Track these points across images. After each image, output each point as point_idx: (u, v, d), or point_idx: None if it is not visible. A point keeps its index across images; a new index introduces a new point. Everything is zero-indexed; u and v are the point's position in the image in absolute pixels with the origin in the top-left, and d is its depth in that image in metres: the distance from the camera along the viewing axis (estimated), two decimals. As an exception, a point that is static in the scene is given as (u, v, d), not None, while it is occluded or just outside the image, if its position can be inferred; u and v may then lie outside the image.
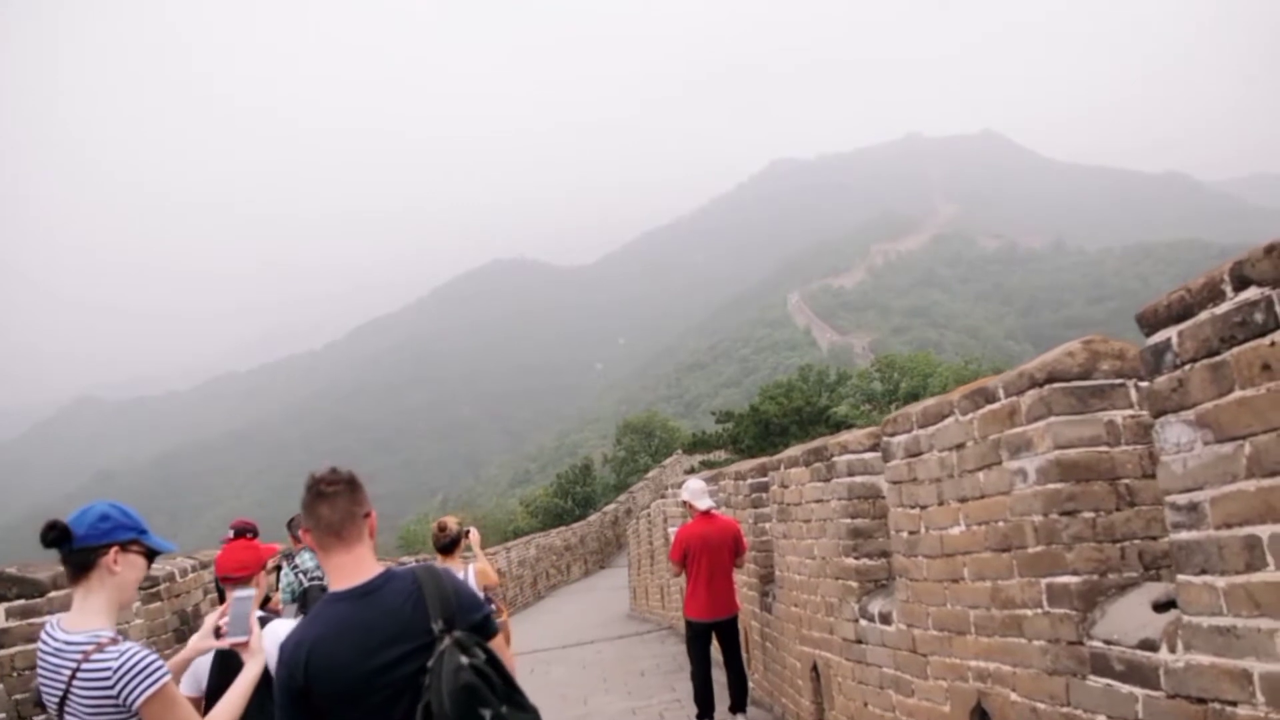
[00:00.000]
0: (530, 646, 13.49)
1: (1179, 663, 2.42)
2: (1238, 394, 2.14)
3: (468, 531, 6.25)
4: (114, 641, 2.57)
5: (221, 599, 5.17)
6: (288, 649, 2.49)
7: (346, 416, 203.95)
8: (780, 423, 25.30)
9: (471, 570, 5.90)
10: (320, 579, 7.15)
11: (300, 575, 7.04)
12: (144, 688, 2.51)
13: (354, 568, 2.51)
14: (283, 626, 3.98)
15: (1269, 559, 2.08)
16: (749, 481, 6.99)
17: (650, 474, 36.19)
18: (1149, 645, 2.58)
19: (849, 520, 4.73)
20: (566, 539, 28.59)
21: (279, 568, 6.99)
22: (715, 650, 7.11)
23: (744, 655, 7.72)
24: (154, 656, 2.59)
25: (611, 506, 33.28)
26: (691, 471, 26.74)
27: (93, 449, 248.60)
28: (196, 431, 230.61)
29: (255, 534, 6.11)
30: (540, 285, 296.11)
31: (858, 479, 4.71)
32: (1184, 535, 2.35)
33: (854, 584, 4.73)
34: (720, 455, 30.68)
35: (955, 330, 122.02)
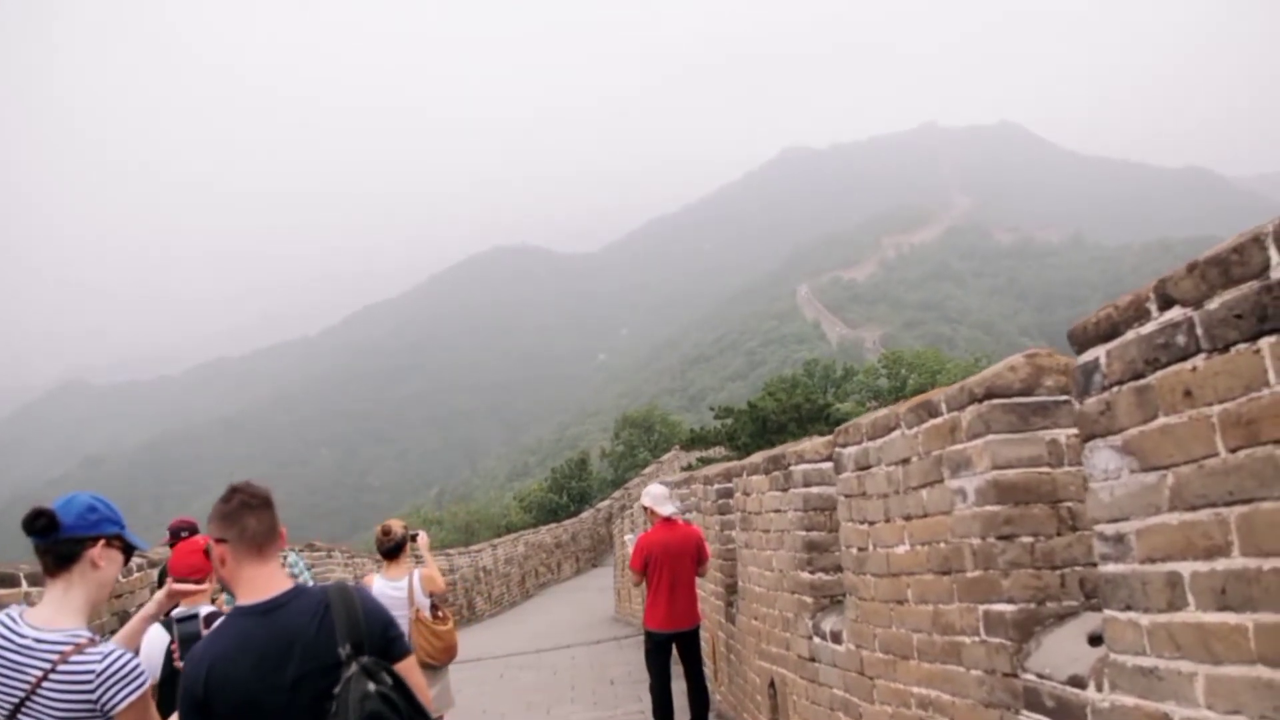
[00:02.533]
0: (505, 650, 13.47)
1: (1105, 703, 2.35)
2: (1161, 421, 2.06)
3: (415, 535, 6.20)
4: (92, 643, 2.53)
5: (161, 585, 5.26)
6: (191, 663, 2.50)
7: (341, 405, 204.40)
8: (778, 420, 25.23)
9: (417, 576, 5.84)
10: None
11: None
12: (128, 694, 2.48)
13: (264, 583, 2.54)
14: None
15: (1190, 598, 2.00)
16: (716, 487, 6.91)
17: (648, 470, 36.12)
18: (1078, 682, 2.50)
19: (804, 533, 4.65)
20: (558, 536, 28.57)
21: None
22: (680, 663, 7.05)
23: (710, 667, 7.66)
24: (138, 661, 2.57)
25: (605, 503, 33.25)
26: (688, 468, 26.68)
27: (79, 434, 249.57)
28: (187, 417, 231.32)
29: (194, 532, 6.11)
30: (542, 273, 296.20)
31: (814, 490, 4.63)
32: (1110, 568, 2.27)
33: (809, 599, 4.65)
34: (719, 452, 30.60)
35: (969, 325, 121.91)
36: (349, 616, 2.50)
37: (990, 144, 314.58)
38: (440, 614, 5.88)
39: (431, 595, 5.83)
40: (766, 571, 5.37)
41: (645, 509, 7.06)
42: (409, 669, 2.59)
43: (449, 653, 5.81)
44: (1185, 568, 2.01)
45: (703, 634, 7.67)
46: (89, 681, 2.45)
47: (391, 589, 5.81)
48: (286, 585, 2.55)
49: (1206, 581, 1.94)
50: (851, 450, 3.94)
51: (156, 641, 3.99)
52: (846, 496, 4.01)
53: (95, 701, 2.46)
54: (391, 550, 5.86)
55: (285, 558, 7.53)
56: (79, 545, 2.60)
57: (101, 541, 2.64)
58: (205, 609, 4.16)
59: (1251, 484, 1.81)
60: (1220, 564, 1.91)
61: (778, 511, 5.06)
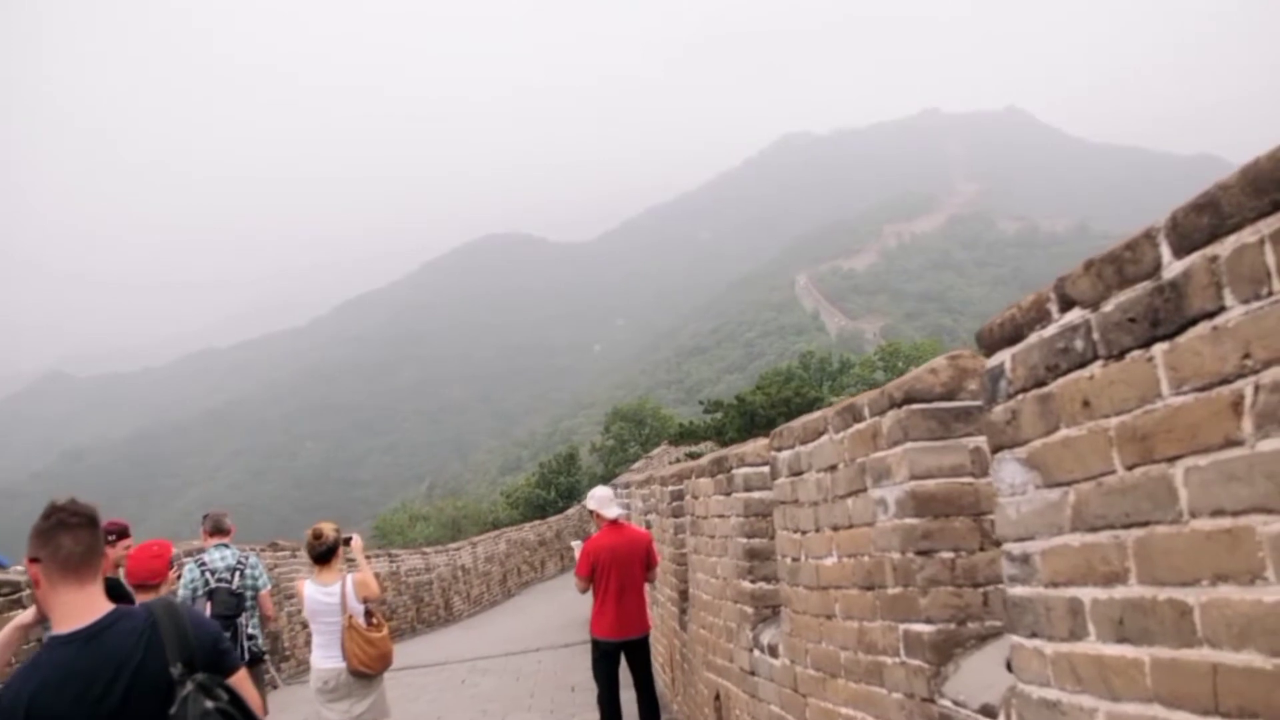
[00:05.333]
0: (473, 653, 13.41)
1: (1013, 736, 2.21)
2: (1063, 433, 1.92)
3: (348, 539, 6.08)
4: None
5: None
6: (4, 702, 2.39)
7: (330, 397, 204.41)
8: (767, 414, 25.14)
9: (350, 580, 5.71)
10: (228, 581, 7.10)
11: (208, 574, 7.02)
12: None
13: (84, 607, 2.44)
14: None
15: (1090, 628, 1.87)
16: (670, 489, 6.79)
17: (637, 465, 36.03)
18: (989, 712, 2.38)
19: (745, 539, 4.52)
20: (541, 533, 28.49)
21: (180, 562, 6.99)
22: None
23: (667, 676, 7.54)
24: None
25: (594, 497, 33.16)
26: (676, 464, 26.55)
27: (62, 427, 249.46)
28: (172, 410, 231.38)
29: (123, 535, 6.04)
30: (536, 261, 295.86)
31: (755, 494, 4.49)
32: (1017, 591, 2.13)
33: (749, 610, 4.53)
34: (709, 447, 30.48)
35: (971, 317, 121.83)
36: (177, 634, 2.47)
37: (995, 130, 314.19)
38: (374, 620, 5.75)
39: (365, 601, 5.70)
40: (712, 579, 5.25)
41: (591, 512, 6.94)
42: (241, 681, 2.59)
43: (383, 660, 5.69)
44: (1086, 594, 1.88)
45: (660, 642, 7.54)
46: None
47: (323, 594, 5.70)
48: (107, 608, 2.47)
49: (1105, 610, 1.82)
50: (786, 454, 3.81)
51: None
52: (781, 503, 3.89)
53: None
54: (323, 554, 5.74)
55: (246, 560, 7.40)
56: None
57: None
58: None
59: (1147, 506, 1.68)
60: (1119, 592, 1.78)
61: (722, 517, 4.93)
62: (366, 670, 5.59)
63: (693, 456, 27.33)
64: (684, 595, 6.47)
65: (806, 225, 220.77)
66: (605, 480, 38.86)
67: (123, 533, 5.87)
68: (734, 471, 4.65)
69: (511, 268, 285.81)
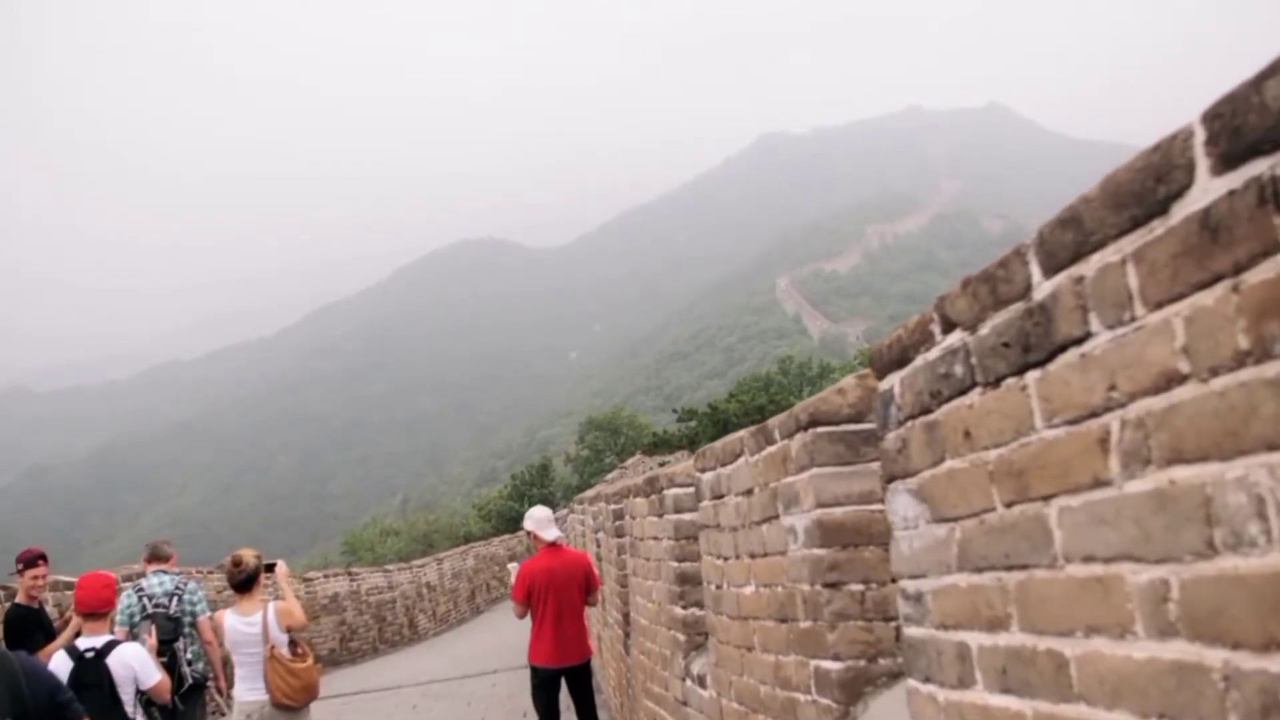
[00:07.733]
0: (430, 675, 13.29)
1: (911, 786, 2.11)
2: (948, 464, 1.82)
3: (271, 565, 5.95)
4: None
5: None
6: None
7: (300, 408, 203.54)
8: (740, 422, 25.06)
9: (272, 609, 5.58)
10: (164, 606, 6.98)
11: (145, 600, 6.91)
12: None
13: None
14: (131, 649, 4.59)
15: (978, 676, 1.76)
16: (613, 508, 6.68)
17: (611, 475, 35.91)
18: (892, 758, 2.27)
19: (676, 563, 4.41)
20: (511, 547, 28.32)
21: None
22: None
23: (618, 700, 7.43)
24: None
25: (564, 510, 33.01)
26: (647, 474, 26.40)
27: (22, 443, 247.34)
28: (137, 424, 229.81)
29: (32, 564, 5.92)
30: (511, 267, 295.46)
31: (685, 516, 4.38)
32: (912, 631, 2.03)
33: (682, 637, 4.42)
34: (683, 456, 30.40)
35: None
36: (10, 687, 2.37)
37: (978, 127, 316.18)
38: (299, 650, 5.62)
39: (289, 630, 5.57)
40: (649, 603, 5.15)
41: (529, 533, 6.83)
42: None
43: (308, 692, 5.56)
44: (973, 639, 1.77)
45: (610, 665, 7.43)
46: None
47: (244, 624, 5.57)
48: None
49: (990, 658, 1.71)
50: (708, 476, 3.70)
51: (60, 670, 4.28)
52: (704, 527, 3.78)
53: None
54: (244, 582, 5.61)
55: (185, 585, 7.30)
56: None
57: None
58: (104, 638, 4.57)
59: (1025, 547, 1.58)
60: (1002, 639, 1.68)
61: (655, 539, 4.83)
62: (290, 703, 5.46)
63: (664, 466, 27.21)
64: (627, 618, 6.38)
65: (786, 227, 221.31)
66: (580, 490, 38.82)
67: (31, 561, 5.75)
68: (665, 492, 4.55)
69: (486, 273, 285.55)
